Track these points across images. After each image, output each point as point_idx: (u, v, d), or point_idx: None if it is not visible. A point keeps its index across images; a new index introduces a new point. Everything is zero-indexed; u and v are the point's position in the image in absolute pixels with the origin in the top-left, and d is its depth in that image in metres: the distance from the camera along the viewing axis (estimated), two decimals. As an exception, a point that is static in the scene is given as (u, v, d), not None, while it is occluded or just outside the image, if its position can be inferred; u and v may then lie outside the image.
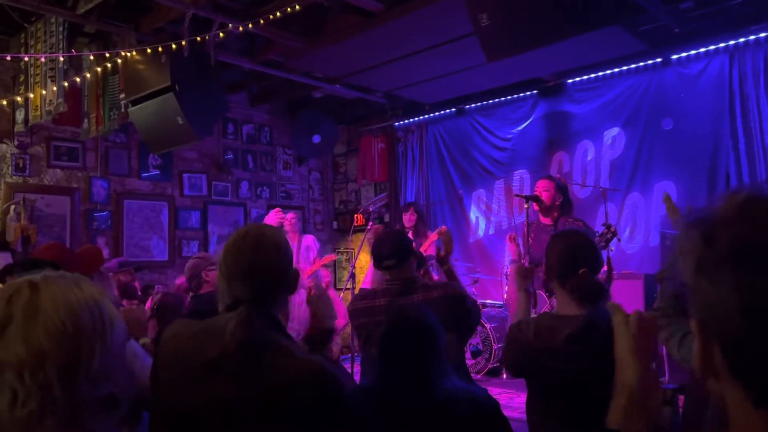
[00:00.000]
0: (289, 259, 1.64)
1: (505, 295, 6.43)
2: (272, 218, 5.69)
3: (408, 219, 6.44)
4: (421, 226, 6.33)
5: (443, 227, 6.47)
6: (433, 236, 6.43)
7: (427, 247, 6.49)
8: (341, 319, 3.46)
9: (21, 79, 5.84)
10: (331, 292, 3.72)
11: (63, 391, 0.88)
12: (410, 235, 5.94)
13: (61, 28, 5.30)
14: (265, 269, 1.57)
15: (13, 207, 6.11)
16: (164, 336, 1.63)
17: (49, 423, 0.88)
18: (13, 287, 0.93)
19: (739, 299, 0.60)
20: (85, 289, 0.96)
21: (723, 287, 0.61)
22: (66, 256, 2.62)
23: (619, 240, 4.87)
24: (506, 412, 2.18)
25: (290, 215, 6.64)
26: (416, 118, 8.16)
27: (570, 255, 2.12)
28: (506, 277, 6.39)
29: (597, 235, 4.37)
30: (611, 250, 4.41)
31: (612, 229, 4.26)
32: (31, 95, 5.54)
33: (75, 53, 5.51)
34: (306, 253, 6.47)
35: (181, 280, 4.66)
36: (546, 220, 4.82)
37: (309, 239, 6.55)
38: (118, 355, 0.98)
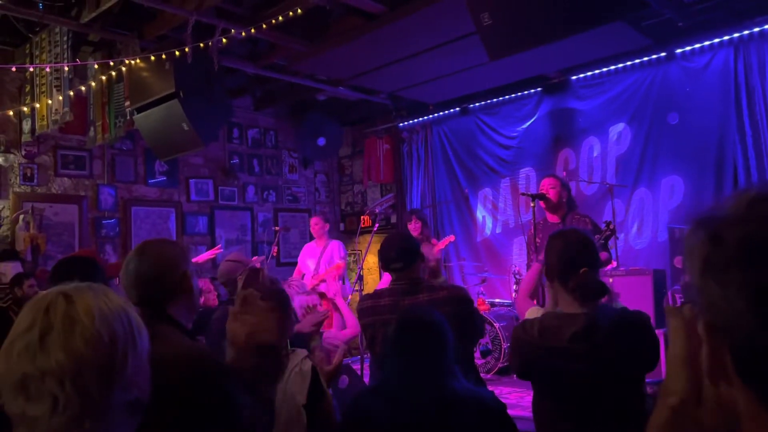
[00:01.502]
0: (172, 266, 1.85)
1: (514, 294, 6.41)
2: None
3: (413, 228, 6.41)
4: (426, 232, 6.29)
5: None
6: (441, 244, 6.39)
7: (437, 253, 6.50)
8: (350, 330, 3.45)
9: (27, 90, 5.89)
10: (340, 302, 3.71)
11: (101, 396, 0.93)
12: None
13: (65, 38, 5.34)
14: (147, 276, 1.82)
15: (22, 216, 6.16)
16: None
17: (88, 426, 0.92)
18: (48, 299, 0.98)
19: (748, 300, 0.59)
20: (113, 299, 1.02)
21: (731, 288, 0.60)
22: (100, 260, 2.79)
23: (617, 238, 4.84)
24: (516, 411, 2.18)
25: (313, 220, 6.64)
26: (420, 119, 8.16)
27: (569, 254, 2.13)
28: (514, 276, 6.38)
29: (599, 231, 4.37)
30: (611, 248, 4.39)
31: (611, 227, 4.25)
32: (37, 105, 5.58)
33: (79, 62, 5.55)
34: (329, 258, 6.47)
35: (202, 282, 4.67)
36: (553, 219, 4.80)
37: (334, 245, 6.54)
38: (144, 361, 1.04)
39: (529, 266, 5.24)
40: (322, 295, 5.54)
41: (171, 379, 1.53)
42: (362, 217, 8.40)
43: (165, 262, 1.85)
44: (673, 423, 0.96)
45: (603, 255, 4.29)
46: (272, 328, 1.80)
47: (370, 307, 2.87)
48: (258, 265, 3.85)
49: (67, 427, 0.92)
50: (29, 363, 0.92)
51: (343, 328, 3.67)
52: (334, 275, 5.91)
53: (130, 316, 1.02)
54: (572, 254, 2.13)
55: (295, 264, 7.05)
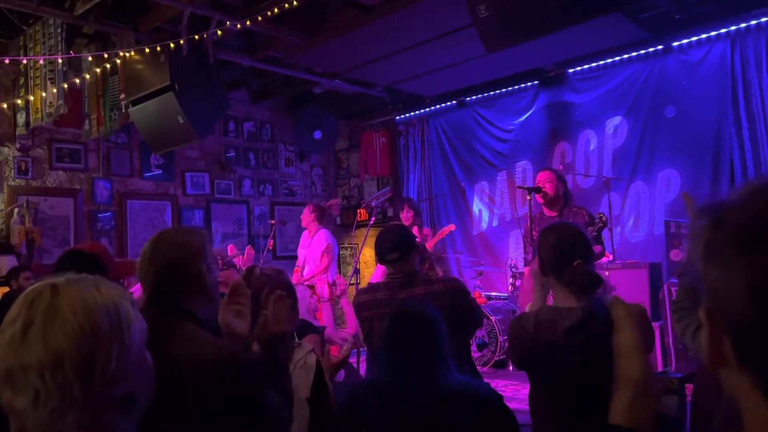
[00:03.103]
0: (189, 261, 1.72)
1: (510, 287, 6.42)
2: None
3: (405, 217, 6.27)
4: (417, 221, 6.20)
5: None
6: (439, 235, 6.37)
7: (433, 245, 6.46)
8: (350, 329, 3.46)
9: (21, 82, 5.85)
10: (344, 302, 3.72)
11: (82, 390, 0.92)
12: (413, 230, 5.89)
13: (59, 30, 5.30)
14: (162, 271, 1.70)
15: (16, 210, 6.13)
16: None
17: (71, 419, 0.92)
18: (35, 291, 0.98)
19: (747, 283, 0.59)
20: (104, 291, 0.99)
21: (731, 271, 0.60)
22: (108, 258, 2.76)
23: (610, 230, 4.85)
24: (512, 404, 2.18)
25: (307, 209, 6.60)
26: (417, 112, 8.15)
27: (562, 248, 2.12)
28: (511, 269, 6.38)
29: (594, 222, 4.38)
30: (604, 239, 4.40)
31: (603, 219, 4.26)
32: (32, 98, 5.54)
33: (74, 54, 5.51)
34: (315, 250, 6.45)
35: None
36: (550, 212, 4.79)
37: (321, 235, 6.48)
38: (137, 354, 1.01)
39: (525, 260, 5.25)
40: (312, 287, 5.56)
41: (201, 379, 1.48)
42: (359, 210, 8.40)
43: (181, 257, 1.73)
44: (634, 404, 0.99)
45: (596, 248, 4.29)
46: (285, 318, 1.77)
47: (367, 301, 2.88)
48: (237, 260, 3.86)
49: (50, 420, 0.92)
50: (12, 356, 0.93)
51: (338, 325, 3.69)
52: (324, 277, 5.93)
53: (120, 309, 0.99)
54: (565, 247, 2.13)
55: (291, 257, 7.04)
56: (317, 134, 8.00)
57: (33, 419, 0.92)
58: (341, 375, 2.97)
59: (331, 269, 6.48)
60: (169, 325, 1.61)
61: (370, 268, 8.28)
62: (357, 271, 6.11)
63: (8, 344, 0.93)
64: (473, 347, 5.99)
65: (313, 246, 6.43)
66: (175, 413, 1.46)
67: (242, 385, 1.55)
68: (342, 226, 9.02)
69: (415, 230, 5.98)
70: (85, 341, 0.93)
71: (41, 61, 5.35)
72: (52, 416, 0.92)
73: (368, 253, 8.20)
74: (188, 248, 1.76)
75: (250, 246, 4.88)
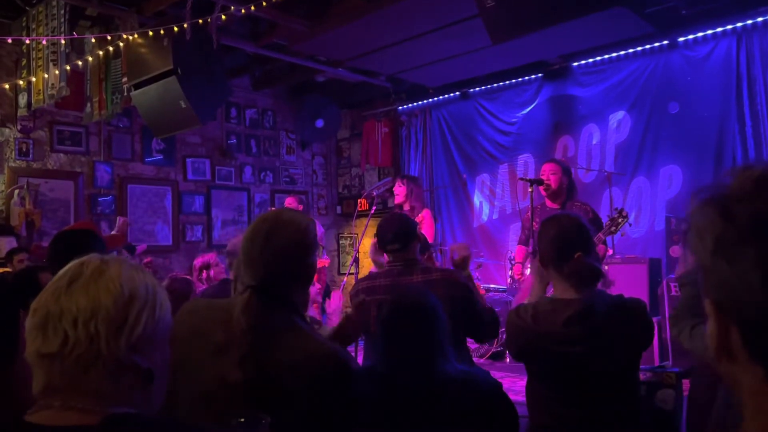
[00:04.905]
0: (304, 249, 1.59)
1: (509, 280, 6.41)
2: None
3: (398, 192, 5.59)
4: (414, 199, 5.57)
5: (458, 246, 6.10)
6: (427, 220, 5.88)
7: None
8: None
9: (23, 63, 5.82)
10: (335, 320, 3.73)
11: (107, 345, 0.98)
12: (406, 208, 5.49)
13: (62, 11, 5.27)
14: (275, 255, 1.54)
15: (17, 191, 6.12)
16: (179, 314, 1.61)
17: (93, 374, 0.98)
18: (85, 258, 1.07)
19: (761, 276, 0.58)
20: (147, 276, 1.10)
21: (744, 264, 0.60)
22: (100, 234, 2.82)
23: (630, 225, 4.84)
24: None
25: (287, 200, 6.63)
26: (420, 102, 8.12)
27: (563, 240, 2.11)
28: (511, 261, 6.37)
29: (608, 218, 4.37)
30: (622, 235, 4.38)
31: (624, 214, 4.24)
32: (34, 79, 5.51)
33: (77, 36, 5.48)
34: None
35: (198, 260, 4.67)
36: (553, 205, 4.77)
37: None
38: (162, 338, 1.08)
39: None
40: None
41: (311, 378, 1.45)
42: (359, 200, 8.38)
43: (303, 243, 1.57)
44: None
45: (600, 249, 4.27)
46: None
47: (365, 288, 2.88)
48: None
49: (75, 371, 0.98)
50: (53, 303, 1.00)
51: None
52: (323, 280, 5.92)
53: (157, 291, 1.08)
54: (566, 239, 2.12)
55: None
56: (319, 123, 7.98)
57: (59, 367, 0.98)
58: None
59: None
60: (281, 318, 1.53)
61: (369, 258, 8.29)
62: (356, 261, 6.10)
63: (52, 293, 1.01)
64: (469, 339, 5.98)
65: None
66: (282, 406, 1.44)
67: (346, 387, 1.51)
68: (342, 216, 9.01)
69: (406, 208, 5.51)
70: (122, 301, 1.01)
71: (44, 42, 5.32)
72: (77, 367, 0.98)
73: (368, 243, 8.20)
74: (310, 236, 1.60)
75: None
